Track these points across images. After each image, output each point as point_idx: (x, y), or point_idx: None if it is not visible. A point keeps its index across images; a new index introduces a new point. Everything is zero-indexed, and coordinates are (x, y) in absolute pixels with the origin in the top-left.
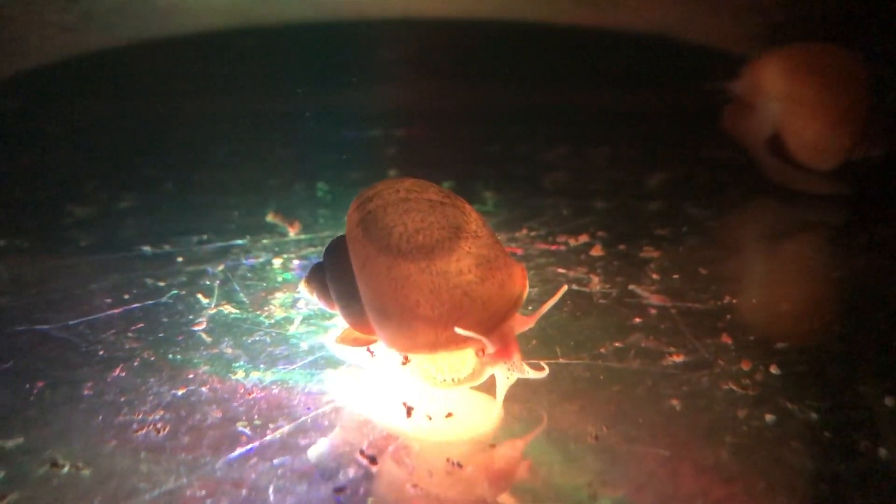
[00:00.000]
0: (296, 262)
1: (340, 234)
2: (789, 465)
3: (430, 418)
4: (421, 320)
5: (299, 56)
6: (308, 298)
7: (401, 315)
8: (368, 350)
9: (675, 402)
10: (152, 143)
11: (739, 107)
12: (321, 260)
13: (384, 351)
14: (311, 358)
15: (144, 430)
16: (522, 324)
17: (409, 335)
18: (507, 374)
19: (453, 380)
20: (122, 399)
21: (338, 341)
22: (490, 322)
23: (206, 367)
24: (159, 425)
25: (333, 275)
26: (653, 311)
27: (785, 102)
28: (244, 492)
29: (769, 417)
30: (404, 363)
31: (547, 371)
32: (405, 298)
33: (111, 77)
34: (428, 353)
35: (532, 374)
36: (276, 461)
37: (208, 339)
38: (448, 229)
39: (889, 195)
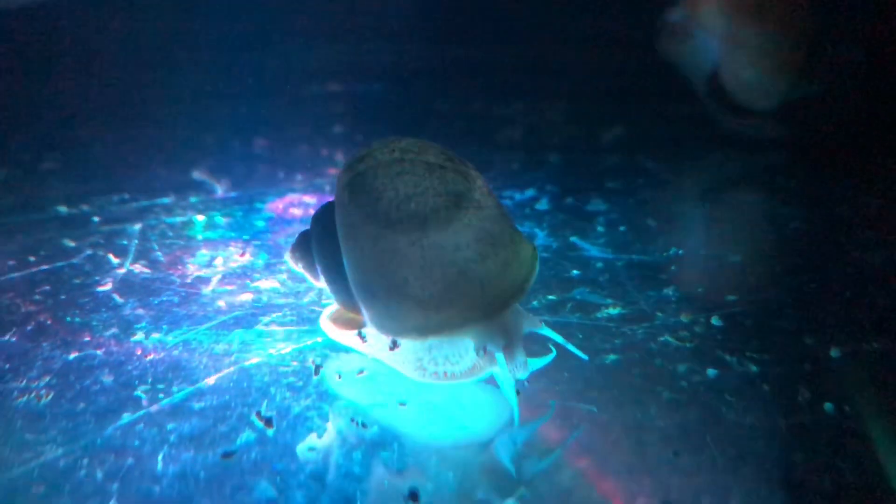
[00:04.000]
0: (220, 219)
1: (272, 190)
2: (724, 420)
3: (339, 377)
4: (409, 300)
5: (243, 12)
6: (294, 271)
7: (387, 294)
8: (359, 335)
9: (606, 356)
10: (84, 103)
11: (677, 34)
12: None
13: (374, 333)
14: (220, 318)
15: (25, 398)
16: (533, 324)
17: (397, 317)
18: (507, 375)
19: (445, 373)
20: (7, 366)
21: (328, 321)
22: (488, 308)
23: (104, 330)
24: (42, 392)
25: (319, 244)
26: (596, 264)
27: (725, 42)
28: (129, 460)
29: (705, 370)
30: (392, 349)
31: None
32: (392, 275)
33: (37, 33)
34: (417, 339)
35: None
36: (165, 427)
37: (112, 301)
38: (446, 197)
39: (831, 137)
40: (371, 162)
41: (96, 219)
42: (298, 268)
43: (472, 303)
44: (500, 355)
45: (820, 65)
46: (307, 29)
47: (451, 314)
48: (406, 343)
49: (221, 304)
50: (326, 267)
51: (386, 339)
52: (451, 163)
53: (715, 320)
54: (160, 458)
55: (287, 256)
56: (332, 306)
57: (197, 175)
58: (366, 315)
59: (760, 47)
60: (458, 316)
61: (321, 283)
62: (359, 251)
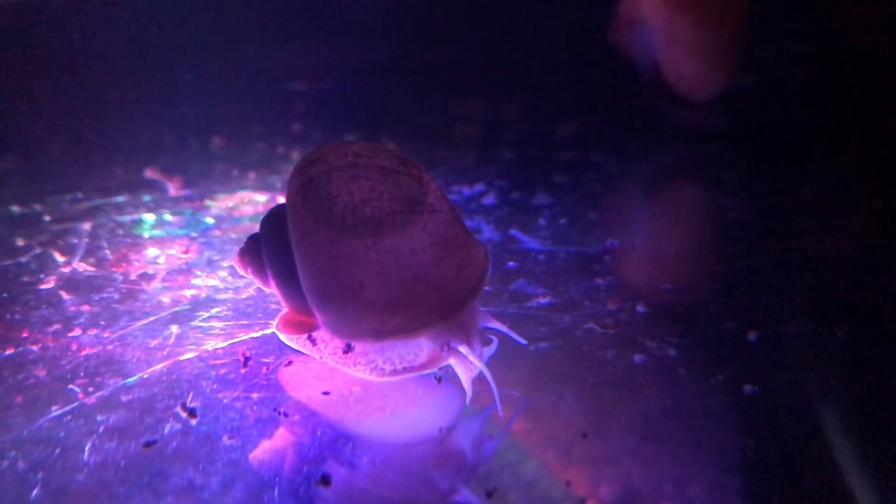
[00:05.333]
0: (168, 217)
1: (224, 188)
2: (638, 401)
3: (267, 370)
4: (365, 305)
5: (203, 11)
6: (243, 275)
7: (342, 298)
8: (309, 339)
9: (532, 343)
10: (39, 101)
11: (624, 24)
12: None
13: (327, 337)
14: (158, 315)
15: None
16: (488, 320)
17: (352, 321)
18: (466, 369)
19: (404, 368)
20: None
21: (278, 326)
22: (444, 310)
23: (42, 326)
24: None
25: (270, 249)
26: (535, 256)
27: (662, 35)
28: (57, 451)
29: (627, 356)
30: (346, 352)
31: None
32: (347, 279)
33: None
34: (373, 342)
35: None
36: (93, 419)
37: (54, 298)
38: (401, 202)
39: (772, 128)
40: (324, 166)
41: (47, 218)
42: (247, 273)
43: (427, 306)
44: (463, 349)
45: (757, 57)
46: (267, 27)
47: (406, 317)
48: (360, 346)
49: (162, 299)
50: (278, 272)
51: (339, 343)
52: (404, 167)
53: (640, 307)
54: (84, 448)
55: (235, 261)
56: (285, 309)
57: (150, 174)
58: (319, 319)
59: (697, 38)
60: (414, 319)
61: (271, 288)
62: (313, 256)
